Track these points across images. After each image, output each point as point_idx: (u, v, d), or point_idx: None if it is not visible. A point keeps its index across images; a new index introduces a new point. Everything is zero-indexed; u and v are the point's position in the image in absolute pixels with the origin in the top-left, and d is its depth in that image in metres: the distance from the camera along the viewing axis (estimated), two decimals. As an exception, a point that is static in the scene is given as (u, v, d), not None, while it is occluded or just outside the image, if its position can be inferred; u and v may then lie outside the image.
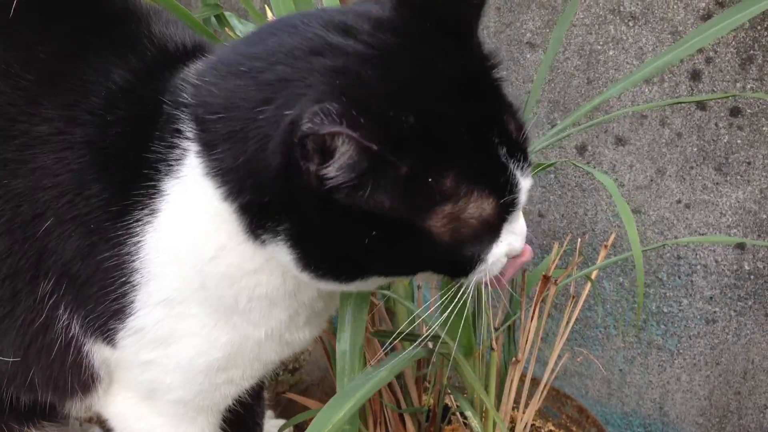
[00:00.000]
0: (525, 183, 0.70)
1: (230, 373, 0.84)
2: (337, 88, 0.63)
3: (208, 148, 0.69)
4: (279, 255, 0.71)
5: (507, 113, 0.70)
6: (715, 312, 1.25)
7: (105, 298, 0.78)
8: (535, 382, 1.15)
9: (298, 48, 0.68)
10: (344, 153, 0.61)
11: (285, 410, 1.44)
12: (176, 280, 0.77)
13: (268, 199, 0.67)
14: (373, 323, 1.18)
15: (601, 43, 1.24)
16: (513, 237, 0.73)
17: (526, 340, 1.07)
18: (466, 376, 1.06)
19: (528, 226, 1.44)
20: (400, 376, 1.16)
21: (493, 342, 1.04)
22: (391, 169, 0.63)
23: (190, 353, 0.81)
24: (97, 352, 0.83)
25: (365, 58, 0.66)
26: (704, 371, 1.29)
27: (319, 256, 0.69)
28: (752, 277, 1.20)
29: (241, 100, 0.67)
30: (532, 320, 1.07)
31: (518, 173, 0.68)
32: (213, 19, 1.24)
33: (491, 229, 0.70)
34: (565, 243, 1.13)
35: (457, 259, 0.70)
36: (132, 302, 0.78)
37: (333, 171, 0.62)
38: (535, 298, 1.06)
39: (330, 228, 0.67)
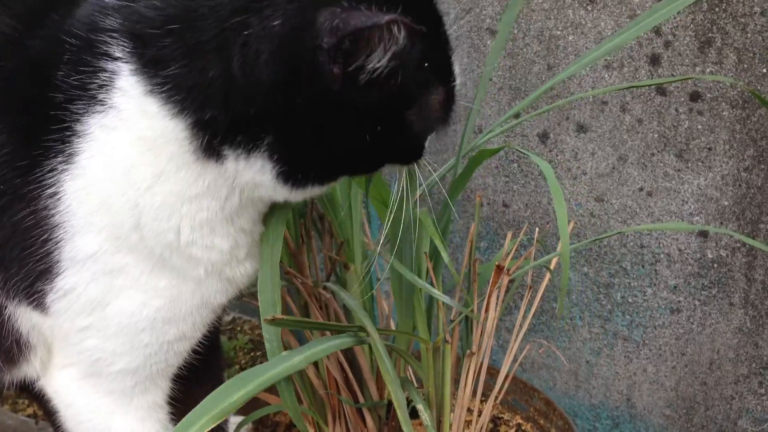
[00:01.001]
0: (457, 66, 0.78)
1: (179, 326, 0.80)
2: None
3: (153, 64, 0.67)
4: (247, 169, 0.70)
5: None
6: (679, 301, 1.23)
7: (28, 260, 0.73)
8: (498, 373, 1.12)
9: None
10: (392, 43, 0.64)
11: (247, 407, 1.42)
12: (104, 230, 0.73)
13: (252, 112, 0.67)
14: (328, 318, 1.15)
15: (560, 28, 1.22)
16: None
17: (481, 332, 1.04)
18: (417, 369, 1.04)
19: (493, 217, 1.42)
20: (357, 371, 1.14)
21: (446, 334, 1.02)
22: (416, 53, 0.67)
23: (130, 308, 0.76)
24: (24, 316, 0.78)
25: None
26: (670, 362, 1.26)
27: (305, 161, 0.71)
28: (716, 265, 1.18)
29: (208, 11, 0.65)
30: (486, 311, 1.04)
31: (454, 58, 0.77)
32: None
33: (444, 116, 0.77)
34: (522, 232, 1.11)
35: (420, 141, 0.77)
36: (58, 261, 0.73)
37: (375, 62, 0.65)
38: (488, 290, 1.03)
39: (322, 130, 0.69)
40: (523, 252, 1.28)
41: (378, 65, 0.65)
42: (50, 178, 0.71)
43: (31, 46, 0.72)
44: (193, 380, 0.91)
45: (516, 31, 1.26)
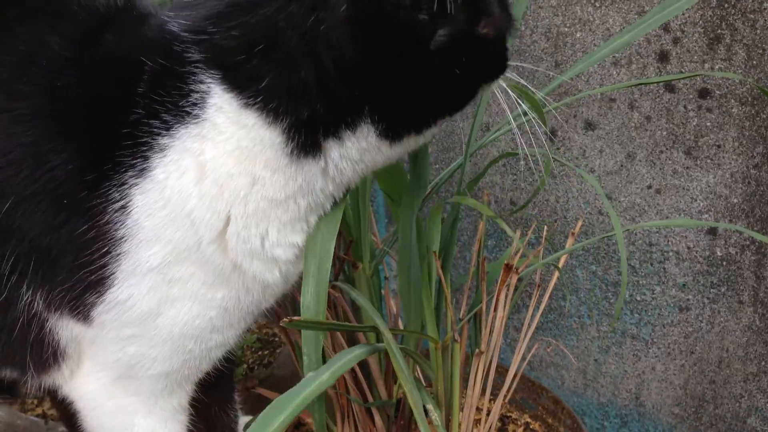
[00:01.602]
0: None
1: (225, 334, 0.82)
2: None
3: (246, 82, 0.71)
4: (354, 144, 0.76)
5: None
6: (688, 299, 1.22)
7: (80, 272, 0.74)
8: (507, 372, 1.12)
9: None
10: None
11: (254, 406, 1.42)
12: (172, 242, 0.74)
13: (355, 93, 0.72)
14: (337, 317, 1.15)
15: (568, 25, 1.21)
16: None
17: (489, 331, 1.04)
18: (426, 369, 1.04)
19: (500, 215, 1.41)
20: (366, 370, 1.13)
21: (455, 334, 1.01)
22: None
23: (183, 319, 0.78)
24: (65, 328, 0.79)
25: None
26: (679, 360, 1.26)
27: (404, 114, 0.75)
28: (724, 263, 1.17)
29: (285, 23, 0.70)
30: (495, 310, 1.04)
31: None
32: None
33: (507, 14, 0.80)
34: (530, 231, 1.10)
35: (499, 50, 0.79)
36: (113, 273, 0.74)
37: None
38: (497, 288, 1.03)
39: (417, 80, 0.73)
40: (531, 250, 1.27)
41: None
42: (118, 191, 0.72)
43: (91, 66, 0.73)
44: (207, 382, 0.92)
45: (524, 28, 1.26)
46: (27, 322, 0.77)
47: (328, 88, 0.71)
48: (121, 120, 0.72)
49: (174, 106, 0.72)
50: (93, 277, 0.74)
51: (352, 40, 0.69)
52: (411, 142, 0.79)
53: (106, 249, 0.73)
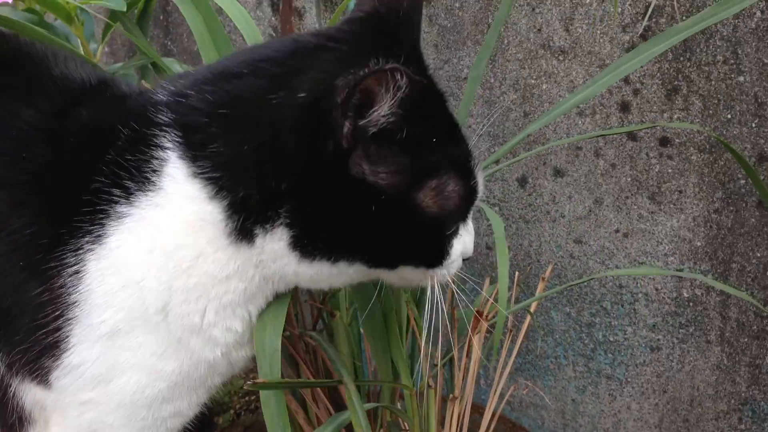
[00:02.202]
0: (481, 176, 0.81)
1: (176, 404, 0.82)
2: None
3: (197, 148, 0.72)
4: (271, 243, 0.74)
5: None
6: (658, 339, 1.26)
7: (36, 335, 0.76)
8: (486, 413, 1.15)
9: (292, 51, 0.75)
10: (397, 89, 0.68)
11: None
12: (123, 310, 0.75)
13: (282, 187, 0.72)
14: (316, 366, 1.18)
15: (534, 77, 1.26)
16: (468, 237, 0.83)
17: (463, 376, 1.07)
18: (402, 417, 1.06)
19: (476, 260, 1.45)
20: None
21: (429, 379, 1.04)
22: (420, 114, 0.71)
23: (133, 387, 0.79)
24: (28, 392, 0.81)
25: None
26: (653, 399, 1.29)
27: (318, 232, 0.74)
28: (691, 304, 1.21)
29: (250, 93, 0.73)
30: (467, 356, 1.07)
31: (479, 186, 0.81)
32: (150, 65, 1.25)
33: (462, 211, 0.80)
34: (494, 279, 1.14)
35: (438, 238, 0.78)
36: (67, 337, 0.76)
37: (385, 109, 0.69)
38: (468, 334, 1.06)
39: (336, 201, 0.73)
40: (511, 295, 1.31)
41: (384, 113, 0.69)
42: (74, 256, 0.74)
43: (61, 137, 0.76)
44: None
45: (493, 80, 1.31)
46: None
47: (262, 171, 0.72)
48: (83, 187, 0.74)
49: (137, 171, 0.74)
50: (48, 339, 0.76)
51: (294, 127, 0.71)
52: (324, 269, 0.76)
53: (59, 312, 0.75)
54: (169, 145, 0.74)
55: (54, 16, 1.16)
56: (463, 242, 0.82)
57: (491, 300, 1.11)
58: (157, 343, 0.78)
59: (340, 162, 0.71)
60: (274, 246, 0.75)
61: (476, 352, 1.08)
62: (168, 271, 0.75)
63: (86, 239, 0.74)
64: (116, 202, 0.74)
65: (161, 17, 1.68)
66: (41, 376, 0.78)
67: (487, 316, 1.04)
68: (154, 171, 0.74)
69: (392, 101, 0.68)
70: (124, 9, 1.12)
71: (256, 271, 0.78)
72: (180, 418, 0.85)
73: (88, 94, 0.79)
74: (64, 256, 0.74)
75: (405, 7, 0.79)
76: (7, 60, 0.81)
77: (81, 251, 0.74)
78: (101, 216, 0.74)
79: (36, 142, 0.76)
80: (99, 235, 0.74)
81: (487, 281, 1.09)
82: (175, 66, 1.30)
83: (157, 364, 0.78)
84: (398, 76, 0.67)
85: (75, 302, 0.75)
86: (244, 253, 0.76)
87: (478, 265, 1.42)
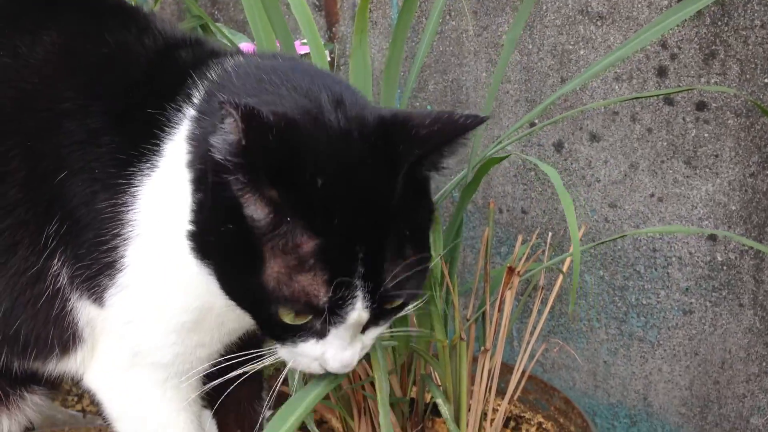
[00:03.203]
0: (358, 315, 0.71)
1: (200, 336, 0.87)
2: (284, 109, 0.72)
3: (201, 114, 0.78)
4: None
5: (394, 254, 0.71)
6: (691, 303, 1.27)
7: (96, 251, 0.81)
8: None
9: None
10: (228, 125, 0.67)
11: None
12: (161, 241, 0.80)
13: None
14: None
15: (572, 43, 1.28)
16: (332, 352, 0.74)
17: (495, 331, 1.11)
18: (436, 367, 1.11)
19: (512, 223, 1.48)
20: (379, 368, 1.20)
21: (462, 333, 1.08)
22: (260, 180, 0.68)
23: (168, 314, 0.84)
24: (83, 309, 0.86)
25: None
26: (684, 362, 1.31)
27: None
28: (725, 268, 1.22)
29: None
30: (499, 311, 1.11)
31: (359, 300, 0.70)
32: (199, 29, 1.31)
33: (312, 316, 0.72)
34: (534, 236, 1.17)
35: (272, 314, 0.72)
36: (122, 257, 0.81)
37: (218, 143, 0.69)
38: (500, 290, 1.09)
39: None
40: (542, 256, 1.34)
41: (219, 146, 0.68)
42: (137, 176, 0.80)
43: (157, 70, 0.84)
44: (225, 407, 1.00)
45: (530, 46, 1.33)
46: (52, 296, 0.84)
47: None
48: (154, 119, 0.80)
49: (169, 119, 0.80)
50: (106, 258, 0.81)
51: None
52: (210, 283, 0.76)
53: (117, 230, 0.80)
54: (195, 101, 0.80)
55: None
56: (323, 352, 0.74)
57: (524, 258, 1.14)
58: (183, 283, 0.81)
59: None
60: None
61: (508, 307, 1.12)
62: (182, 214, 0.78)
63: (146, 164, 0.80)
64: (163, 140, 0.80)
65: (209, -14, 1.73)
66: (97, 293, 0.83)
67: (518, 272, 1.08)
68: (177, 123, 0.80)
69: (223, 139, 0.70)
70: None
71: None
72: (206, 349, 0.89)
73: (185, 45, 0.87)
74: (131, 176, 0.80)
75: None
76: (118, 9, 0.89)
77: (142, 173, 0.80)
78: (156, 148, 0.80)
79: (140, 79, 0.83)
80: (153, 164, 0.80)
81: (519, 239, 1.12)
82: (224, 30, 1.35)
83: (186, 299, 0.83)
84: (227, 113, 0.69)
85: (130, 221, 0.80)
86: None
87: (514, 228, 1.45)
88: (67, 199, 0.82)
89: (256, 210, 0.69)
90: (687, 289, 1.27)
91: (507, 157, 1.03)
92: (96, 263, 0.82)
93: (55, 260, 0.83)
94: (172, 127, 0.80)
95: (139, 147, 0.81)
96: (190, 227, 0.76)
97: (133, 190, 0.80)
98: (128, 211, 0.81)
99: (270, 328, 0.76)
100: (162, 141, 0.81)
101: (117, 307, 0.84)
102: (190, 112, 0.80)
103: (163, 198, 0.80)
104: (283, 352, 0.78)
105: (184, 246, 0.77)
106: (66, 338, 0.88)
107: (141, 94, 0.83)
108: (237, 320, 0.87)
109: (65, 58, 0.85)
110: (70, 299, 0.85)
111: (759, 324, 1.21)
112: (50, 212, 0.82)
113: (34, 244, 0.83)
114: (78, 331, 0.87)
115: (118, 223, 0.81)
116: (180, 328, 0.86)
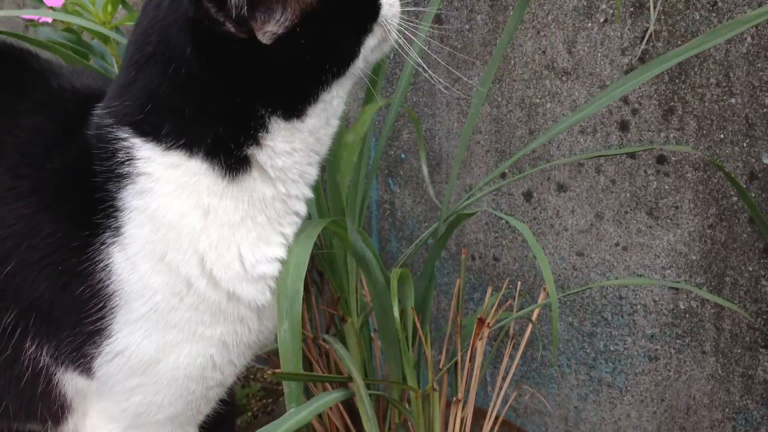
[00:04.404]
0: None
1: (222, 372, 0.88)
2: None
3: (154, 130, 0.80)
4: (270, 142, 0.82)
5: None
6: (656, 350, 1.31)
7: (80, 326, 0.82)
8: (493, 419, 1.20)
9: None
10: None
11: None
12: (159, 290, 0.82)
13: (234, 102, 0.79)
14: (329, 366, 1.25)
15: (539, 96, 1.33)
16: None
17: (466, 380, 1.13)
18: (408, 416, 1.13)
19: (484, 270, 1.51)
20: (356, 417, 1.22)
21: (434, 383, 1.11)
22: None
23: (185, 361, 0.84)
24: (71, 382, 0.87)
25: None
26: (651, 407, 1.34)
27: (295, 95, 0.81)
28: (687, 315, 1.26)
29: (155, 85, 0.80)
30: (470, 360, 1.13)
31: None
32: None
33: None
34: (504, 286, 1.20)
35: None
36: (110, 325, 0.82)
37: None
38: (472, 340, 1.12)
39: (275, 59, 0.78)
40: (514, 303, 1.37)
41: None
42: (100, 252, 0.81)
43: (70, 146, 0.85)
44: (210, 427, 1.00)
45: (500, 99, 1.38)
46: (34, 376, 0.85)
47: (211, 113, 0.80)
48: (90, 188, 0.82)
49: (110, 168, 0.82)
50: (92, 328, 0.82)
51: (205, 66, 0.78)
52: (320, 112, 0.84)
53: (102, 304, 0.82)
54: (126, 135, 0.82)
55: (91, 36, 1.25)
56: None
57: (495, 307, 1.17)
58: (203, 312, 0.83)
59: (246, 42, 0.78)
60: (280, 136, 0.82)
61: (479, 356, 1.14)
62: (186, 238, 0.82)
63: (107, 234, 0.81)
64: (114, 197, 0.82)
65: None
66: (84, 364, 0.85)
67: (488, 324, 1.11)
68: (124, 162, 0.82)
69: None
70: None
71: (273, 186, 0.84)
72: (221, 388, 0.90)
73: (94, 101, 0.88)
74: (93, 254, 0.81)
75: None
76: (28, 77, 0.90)
77: (104, 245, 0.81)
78: (111, 210, 0.82)
79: (57, 151, 0.85)
80: (116, 227, 0.82)
81: (489, 290, 1.16)
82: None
83: (206, 332, 0.84)
84: None
85: (113, 292, 0.82)
86: (247, 184, 0.83)
87: (486, 275, 1.48)
88: (24, 292, 0.83)
89: None
90: (652, 336, 1.31)
91: (477, 213, 1.06)
92: (80, 335, 0.83)
93: (27, 344, 0.85)
94: (120, 172, 0.82)
95: (91, 224, 0.82)
96: (294, 101, 0.81)
97: (103, 265, 0.82)
98: (108, 285, 0.82)
99: (369, 15, 0.84)
100: (114, 199, 0.82)
101: (113, 375, 0.85)
102: (136, 141, 0.82)
103: (152, 239, 0.81)
104: (386, 21, 0.85)
105: (209, 247, 0.81)
106: (55, 411, 0.89)
107: (62, 171, 0.84)
108: (269, 325, 0.89)
109: None
110: (56, 374, 0.86)
111: (721, 371, 1.25)
112: (2, 307, 0.83)
113: None
114: (67, 402, 0.89)
115: (101, 298, 0.82)
116: (203, 370, 0.86)
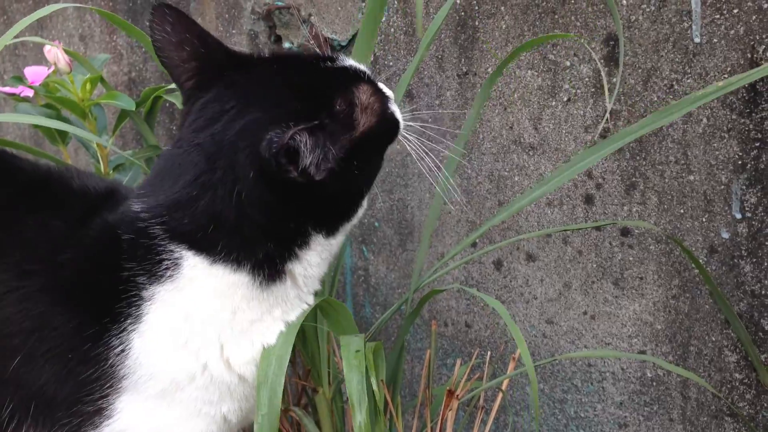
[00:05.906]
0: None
1: None
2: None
3: (209, 249, 0.88)
4: (308, 255, 0.93)
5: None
6: (625, 417, 1.33)
7: (78, 407, 0.87)
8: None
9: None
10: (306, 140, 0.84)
11: None
12: (170, 373, 0.88)
13: (288, 225, 0.90)
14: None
15: (507, 169, 1.37)
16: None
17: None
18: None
19: (457, 336, 1.53)
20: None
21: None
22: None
23: None
24: None
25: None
26: (622, 474, 1.35)
27: (337, 215, 0.94)
28: (654, 383, 1.29)
29: (219, 205, 0.87)
30: (440, 431, 1.15)
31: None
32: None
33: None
34: (474, 356, 1.22)
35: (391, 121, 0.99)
36: (112, 405, 0.87)
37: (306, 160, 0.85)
38: (441, 411, 1.14)
39: (329, 191, 0.90)
40: (485, 372, 1.38)
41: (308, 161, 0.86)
42: (118, 338, 0.87)
43: (85, 242, 0.90)
44: None
45: (470, 171, 1.42)
46: None
47: (268, 235, 0.89)
48: (114, 280, 0.87)
49: (146, 268, 0.87)
50: (91, 408, 0.87)
51: (268, 196, 0.87)
52: (348, 227, 0.97)
53: (108, 385, 0.87)
54: (178, 249, 0.88)
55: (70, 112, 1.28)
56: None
57: (464, 379, 1.19)
58: (211, 392, 0.90)
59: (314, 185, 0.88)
60: (316, 251, 0.93)
61: (450, 427, 1.16)
62: (214, 329, 0.90)
63: (128, 321, 0.87)
64: (144, 288, 0.87)
65: (167, 104, 1.81)
66: None
67: (458, 396, 1.12)
68: (168, 268, 0.88)
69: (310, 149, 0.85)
70: (134, 108, 1.24)
71: (298, 290, 0.95)
72: None
73: (102, 201, 0.93)
74: (110, 340, 0.86)
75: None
76: (33, 181, 0.96)
77: (125, 332, 0.87)
78: (135, 300, 0.87)
79: (66, 248, 0.89)
80: (137, 315, 0.87)
81: (459, 361, 1.18)
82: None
83: (211, 410, 0.91)
84: (298, 138, 0.83)
85: (123, 376, 0.87)
86: (278, 290, 0.92)
87: (458, 341, 1.50)
88: (27, 383, 0.86)
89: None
90: (621, 403, 1.33)
91: (448, 288, 1.09)
92: (77, 416, 0.87)
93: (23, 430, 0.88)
94: (157, 275, 0.88)
95: (111, 312, 0.87)
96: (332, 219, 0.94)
97: (118, 349, 0.86)
98: (120, 369, 0.87)
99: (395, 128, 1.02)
100: (141, 291, 0.87)
101: None
102: (187, 254, 0.88)
103: (182, 326, 0.88)
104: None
105: (233, 334, 0.90)
106: None
107: (75, 265, 0.88)
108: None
109: None
110: None
111: (689, 438, 1.27)
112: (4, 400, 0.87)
113: None
114: None
115: (108, 380, 0.87)
116: None
